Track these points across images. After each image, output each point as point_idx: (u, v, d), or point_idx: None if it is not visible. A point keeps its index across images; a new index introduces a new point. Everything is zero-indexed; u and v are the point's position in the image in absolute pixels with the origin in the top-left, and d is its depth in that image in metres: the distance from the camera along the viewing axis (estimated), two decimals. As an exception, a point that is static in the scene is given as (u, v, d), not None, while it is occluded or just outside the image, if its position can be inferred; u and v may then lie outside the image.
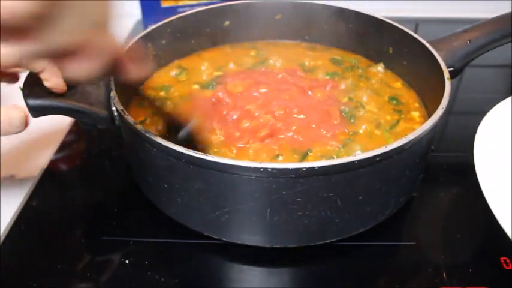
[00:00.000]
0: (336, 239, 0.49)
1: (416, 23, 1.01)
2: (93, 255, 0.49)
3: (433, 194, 0.57)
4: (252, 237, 0.48)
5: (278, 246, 0.48)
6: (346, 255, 0.50)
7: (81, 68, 0.37)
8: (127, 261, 0.48)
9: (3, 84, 0.48)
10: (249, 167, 0.40)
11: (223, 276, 0.49)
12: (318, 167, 0.40)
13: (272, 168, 0.40)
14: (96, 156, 0.65)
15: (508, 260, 0.48)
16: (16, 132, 0.47)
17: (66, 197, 0.58)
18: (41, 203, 0.56)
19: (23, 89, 0.49)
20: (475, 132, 0.53)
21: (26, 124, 0.48)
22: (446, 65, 0.54)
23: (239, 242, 0.48)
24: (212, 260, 0.50)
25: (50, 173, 0.61)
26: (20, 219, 0.53)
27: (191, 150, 0.41)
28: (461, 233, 0.52)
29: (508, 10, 0.60)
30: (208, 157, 0.41)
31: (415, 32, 0.61)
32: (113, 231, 0.52)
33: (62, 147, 0.65)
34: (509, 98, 0.58)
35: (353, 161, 0.40)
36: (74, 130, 0.68)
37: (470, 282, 0.46)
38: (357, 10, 0.68)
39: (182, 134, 0.51)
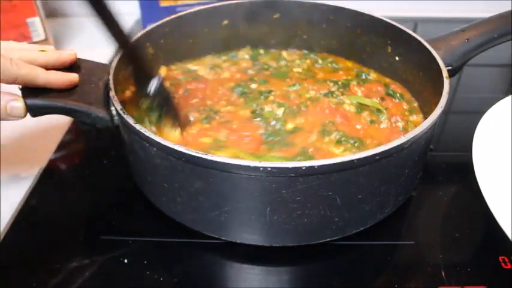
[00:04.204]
0: (335, 238, 0.49)
1: (415, 23, 1.01)
2: (92, 255, 0.49)
3: (432, 193, 0.57)
4: (251, 236, 0.48)
5: (277, 245, 0.48)
6: (345, 254, 0.50)
7: None
8: (126, 261, 0.48)
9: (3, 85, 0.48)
10: (249, 166, 0.40)
11: (222, 275, 0.49)
12: (317, 165, 0.40)
13: (272, 167, 0.40)
14: (95, 156, 0.65)
15: (506, 259, 0.48)
16: (13, 120, 0.48)
17: (66, 196, 0.58)
18: (40, 202, 0.56)
19: (22, 89, 0.49)
20: (474, 132, 0.53)
21: (24, 114, 0.48)
22: (444, 63, 0.55)
23: (239, 241, 0.48)
24: (211, 259, 0.50)
25: (49, 172, 0.60)
26: (20, 218, 0.53)
27: (191, 150, 0.41)
28: (460, 232, 0.52)
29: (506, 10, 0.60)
30: (208, 156, 0.41)
31: (414, 31, 0.61)
32: (112, 231, 0.52)
33: (61, 146, 0.65)
34: (508, 97, 0.58)
35: (352, 160, 0.41)
36: (73, 129, 0.68)
37: (469, 281, 0.46)
38: (356, 9, 0.68)
39: (152, 88, 0.50)
